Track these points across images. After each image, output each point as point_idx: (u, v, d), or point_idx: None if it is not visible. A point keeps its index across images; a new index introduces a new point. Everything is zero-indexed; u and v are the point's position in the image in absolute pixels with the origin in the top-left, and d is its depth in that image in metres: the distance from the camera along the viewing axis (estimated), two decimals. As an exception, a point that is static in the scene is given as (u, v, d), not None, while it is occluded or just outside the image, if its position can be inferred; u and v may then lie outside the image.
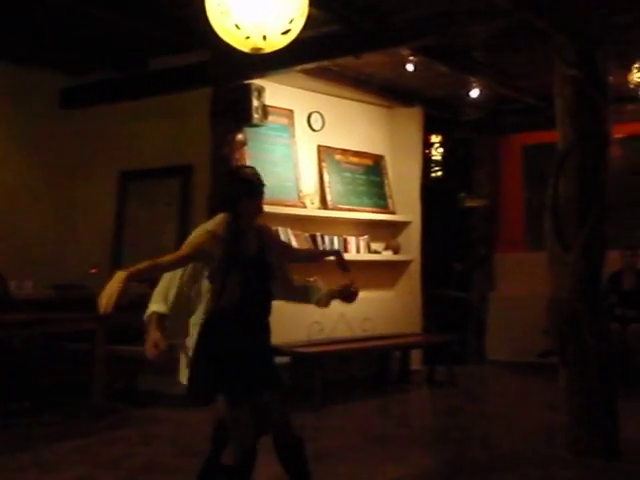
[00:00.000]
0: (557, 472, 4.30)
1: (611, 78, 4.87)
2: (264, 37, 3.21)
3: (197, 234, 3.27)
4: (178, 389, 5.93)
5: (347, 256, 7.39)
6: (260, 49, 3.30)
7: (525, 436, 5.23)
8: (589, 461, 4.40)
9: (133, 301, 6.61)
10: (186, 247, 3.17)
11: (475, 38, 5.94)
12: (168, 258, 3.09)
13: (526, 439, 5.13)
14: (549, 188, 4.66)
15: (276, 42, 3.28)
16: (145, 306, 6.06)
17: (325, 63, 6.25)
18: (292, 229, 6.86)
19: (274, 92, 6.60)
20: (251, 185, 3.24)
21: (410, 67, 6.47)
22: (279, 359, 6.25)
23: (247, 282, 3.17)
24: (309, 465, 3.27)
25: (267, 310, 3.31)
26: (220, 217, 3.27)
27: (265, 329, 3.32)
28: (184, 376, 3.46)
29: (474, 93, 7.36)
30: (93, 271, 6.79)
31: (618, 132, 6.67)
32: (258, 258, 3.25)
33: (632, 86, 6.32)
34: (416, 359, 7.80)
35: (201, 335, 3.19)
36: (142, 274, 3.01)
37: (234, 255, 3.15)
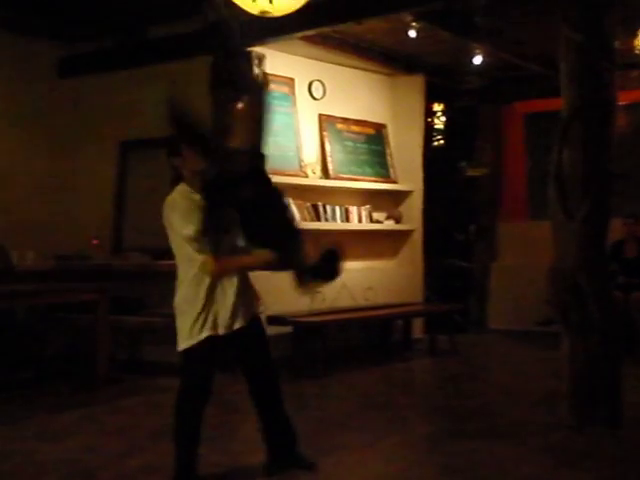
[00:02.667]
0: (559, 440, 4.33)
1: (616, 43, 4.79)
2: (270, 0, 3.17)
3: None
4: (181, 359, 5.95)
5: (349, 226, 7.45)
6: (267, 12, 3.26)
7: (527, 404, 5.26)
8: (591, 429, 4.42)
9: (134, 272, 6.66)
10: None
11: (477, 3, 5.85)
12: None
13: (528, 407, 5.17)
14: (553, 155, 4.61)
15: (284, 5, 3.23)
16: (147, 277, 6.02)
17: (326, 30, 6.17)
18: (294, 199, 6.82)
19: (275, 60, 6.52)
20: None
21: (412, 33, 6.38)
22: (282, 329, 6.32)
23: None
24: None
25: None
26: None
27: None
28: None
29: (477, 60, 7.27)
30: (95, 242, 6.78)
31: (623, 99, 6.59)
32: None
33: (638, 52, 6.24)
34: (418, 328, 7.83)
35: None
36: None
37: None
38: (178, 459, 3.48)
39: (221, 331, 3.43)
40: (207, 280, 3.39)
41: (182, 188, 3.48)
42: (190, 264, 3.40)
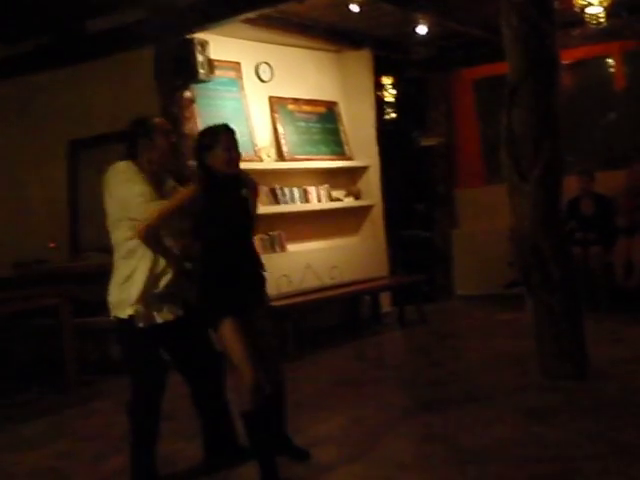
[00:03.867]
0: (531, 397, 4.41)
1: (556, 3, 4.83)
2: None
3: None
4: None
5: (309, 207, 7.43)
6: None
7: (497, 367, 5.33)
8: (561, 384, 4.51)
9: (95, 272, 6.55)
10: None
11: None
12: None
13: (498, 370, 5.24)
14: (503, 119, 4.65)
15: None
16: (108, 276, 6.00)
17: (268, 11, 6.09)
18: (250, 184, 6.77)
19: (219, 45, 6.43)
20: None
21: (355, 8, 6.34)
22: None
23: None
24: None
25: None
26: None
27: None
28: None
29: (421, 30, 7.26)
30: (52, 245, 6.66)
31: (566, 58, 6.66)
32: None
33: (577, 9, 6.29)
34: (385, 301, 7.87)
35: None
36: None
37: None
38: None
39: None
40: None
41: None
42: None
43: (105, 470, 3.76)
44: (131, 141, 3.55)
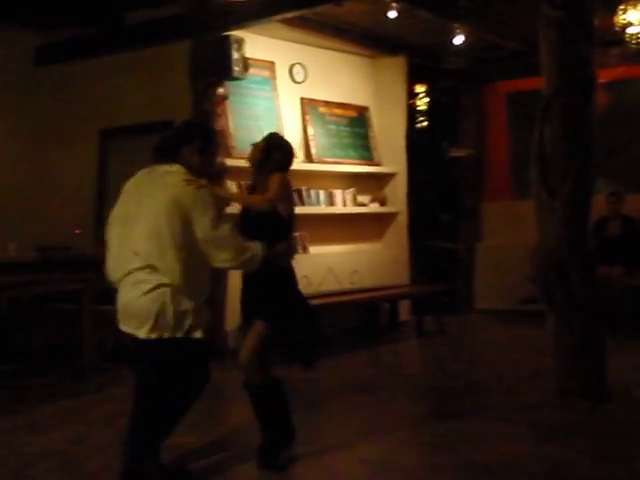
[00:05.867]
0: (546, 416, 4.36)
1: (596, 21, 4.79)
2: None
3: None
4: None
5: (333, 210, 7.43)
6: None
7: (513, 382, 5.29)
8: (577, 404, 4.46)
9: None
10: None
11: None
12: None
13: (514, 385, 5.20)
14: (535, 134, 4.61)
15: None
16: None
17: (305, 12, 6.11)
18: (277, 184, 6.79)
19: (254, 44, 6.46)
20: None
21: (392, 14, 6.33)
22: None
23: None
24: None
25: None
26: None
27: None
28: None
29: (458, 40, 7.23)
30: (77, 232, 6.73)
31: (603, 76, 6.59)
32: None
33: (617, 29, 6.22)
34: (405, 310, 7.84)
35: None
36: None
37: None
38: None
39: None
40: None
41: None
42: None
43: (114, 457, 3.77)
44: (177, 143, 3.37)
